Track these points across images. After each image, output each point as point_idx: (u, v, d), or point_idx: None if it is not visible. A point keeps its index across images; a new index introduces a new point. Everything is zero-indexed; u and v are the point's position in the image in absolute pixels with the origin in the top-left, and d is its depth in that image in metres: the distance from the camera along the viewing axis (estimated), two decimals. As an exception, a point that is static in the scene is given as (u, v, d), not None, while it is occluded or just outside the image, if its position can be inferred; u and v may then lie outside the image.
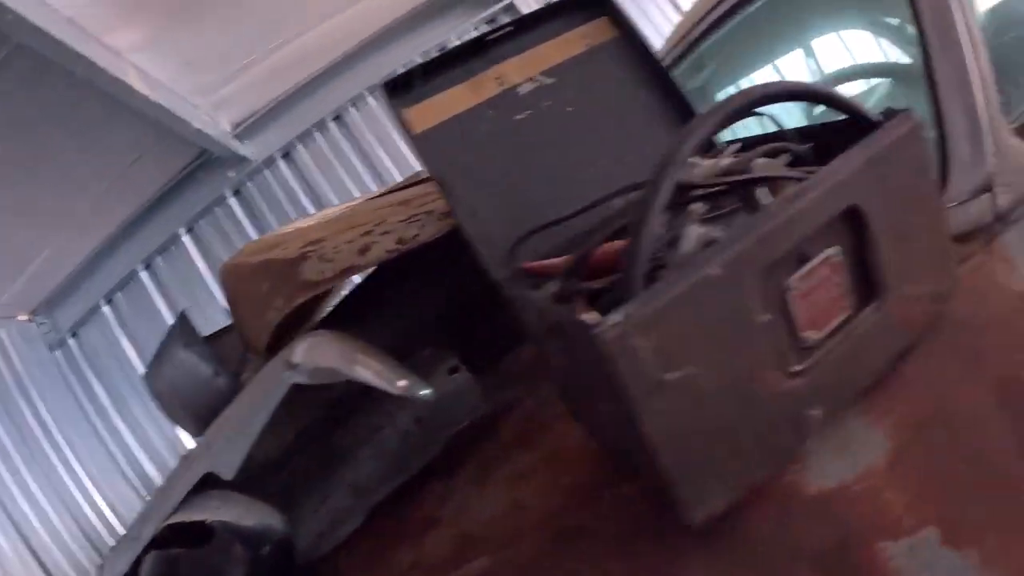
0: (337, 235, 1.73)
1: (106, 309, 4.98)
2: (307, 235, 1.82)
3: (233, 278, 2.01)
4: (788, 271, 0.85)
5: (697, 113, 1.46)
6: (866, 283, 0.93)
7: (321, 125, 4.62)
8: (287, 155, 4.66)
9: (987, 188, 1.25)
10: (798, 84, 1.08)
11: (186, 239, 4.79)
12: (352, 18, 4.44)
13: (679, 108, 1.47)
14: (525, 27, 1.55)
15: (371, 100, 4.63)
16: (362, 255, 1.66)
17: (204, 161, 4.63)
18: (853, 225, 0.90)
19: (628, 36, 1.53)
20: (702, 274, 0.77)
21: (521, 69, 1.52)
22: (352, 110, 4.62)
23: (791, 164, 0.99)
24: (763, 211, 0.85)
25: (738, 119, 0.90)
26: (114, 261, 4.90)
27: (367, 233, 1.66)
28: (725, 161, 0.99)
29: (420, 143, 1.46)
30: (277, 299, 1.81)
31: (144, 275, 4.88)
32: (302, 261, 1.72)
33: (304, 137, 4.61)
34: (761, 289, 0.82)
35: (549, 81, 1.50)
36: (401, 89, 1.48)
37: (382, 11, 4.58)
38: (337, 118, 4.63)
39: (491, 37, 1.50)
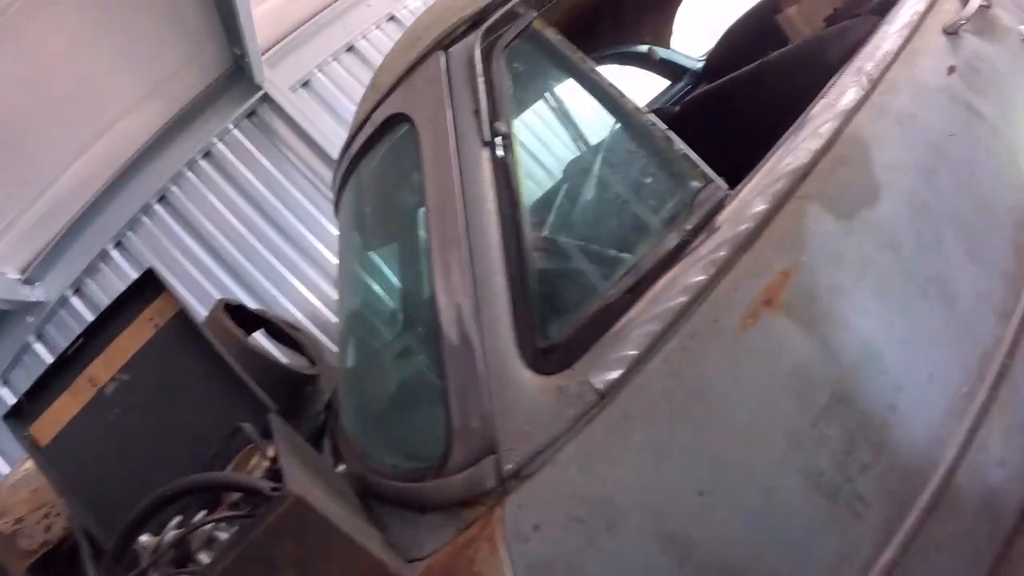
0: (31, 513, 2.00)
1: (-54, 471, 5.02)
2: (15, 508, 2.08)
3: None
4: None
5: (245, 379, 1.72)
6: None
7: (104, 255, 4.72)
8: (79, 290, 4.76)
9: (491, 449, 1.21)
10: (186, 483, 1.19)
11: (3, 391, 4.85)
12: (104, 149, 4.55)
13: (229, 378, 1.71)
14: (102, 323, 1.74)
15: (146, 220, 4.74)
16: (48, 532, 1.94)
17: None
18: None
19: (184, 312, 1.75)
20: None
21: (107, 367, 1.73)
22: (131, 234, 4.73)
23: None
24: None
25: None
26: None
27: (47, 515, 1.93)
28: (169, 535, 1.28)
29: (46, 457, 1.71)
30: (12, 560, 2.09)
31: (-29, 432, 4.93)
32: (14, 537, 2.00)
33: (91, 271, 4.71)
34: None
35: (126, 378, 1.72)
36: (18, 414, 1.73)
37: (134, 133, 4.68)
38: (119, 244, 4.73)
39: (73, 348, 1.72)
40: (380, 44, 5.31)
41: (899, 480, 1.38)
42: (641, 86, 3.77)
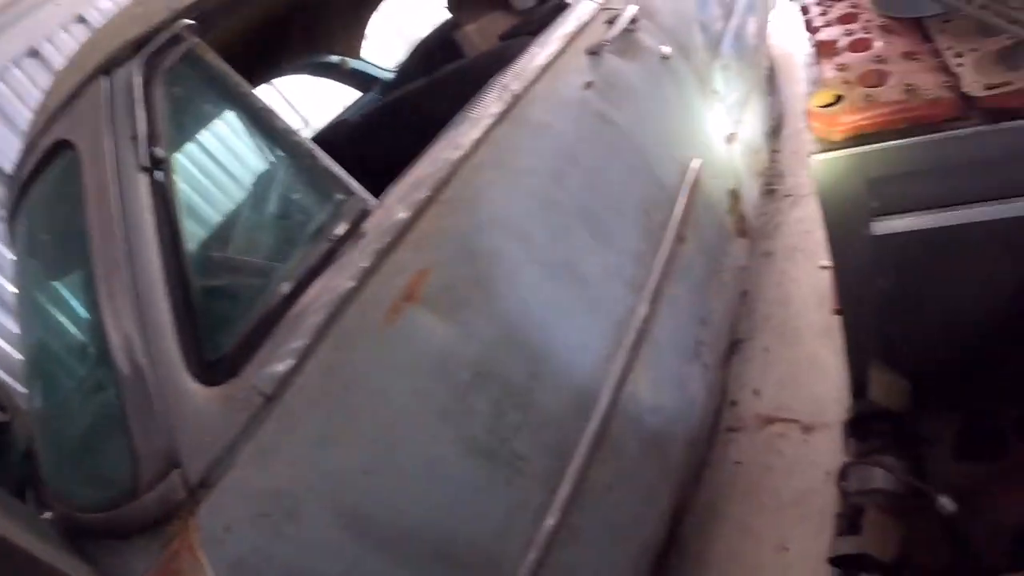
0: None
1: None
2: None
3: None
4: None
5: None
6: None
7: None
8: None
9: (176, 464, 1.25)
10: None
11: None
12: None
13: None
14: None
15: None
16: None
17: None
18: None
19: None
20: None
21: None
22: None
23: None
24: None
25: None
26: None
27: None
28: None
29: None
30: None
31: None
32: None
33: None
34: None
35: None
36: None
37: None
38: None
39: None
40: (67, 48, 4.92)
41: (554, 435, 1.65)
42: (336, 96, 3.86)
